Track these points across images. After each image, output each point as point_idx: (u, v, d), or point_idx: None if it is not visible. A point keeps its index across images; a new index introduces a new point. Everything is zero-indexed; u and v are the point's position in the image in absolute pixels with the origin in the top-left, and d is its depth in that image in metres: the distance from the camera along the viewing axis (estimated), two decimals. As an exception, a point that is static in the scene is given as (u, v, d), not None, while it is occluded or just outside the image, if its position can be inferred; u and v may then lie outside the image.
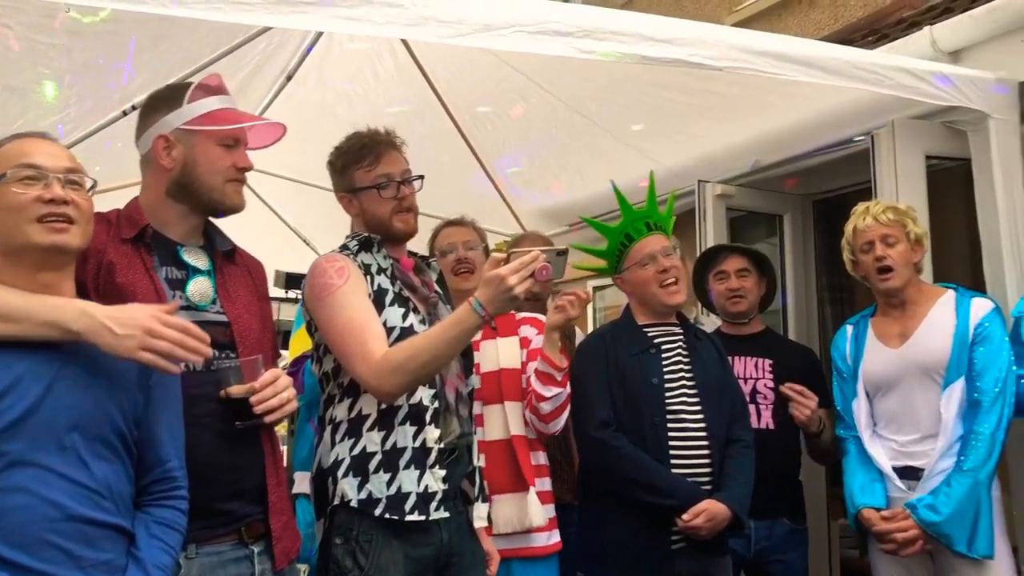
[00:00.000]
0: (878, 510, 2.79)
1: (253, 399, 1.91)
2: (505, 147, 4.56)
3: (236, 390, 1.92)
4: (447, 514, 2.22)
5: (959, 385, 2.78)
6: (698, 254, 3.73)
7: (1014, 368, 2.78)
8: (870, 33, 4.35)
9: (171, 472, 1.80)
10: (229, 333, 2.02)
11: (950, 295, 2.90)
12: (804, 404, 3.04)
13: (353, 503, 2.17)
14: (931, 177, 3.32)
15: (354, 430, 2.22)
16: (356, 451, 2.21)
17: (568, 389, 2.68)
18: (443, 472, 2.23)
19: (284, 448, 3.80)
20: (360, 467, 2.19)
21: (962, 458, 2.72)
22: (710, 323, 3.65)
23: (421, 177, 2.42)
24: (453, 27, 2.21)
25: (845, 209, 3.06)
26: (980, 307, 2.84)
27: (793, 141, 3.81)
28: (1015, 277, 3.03)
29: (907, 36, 3.52)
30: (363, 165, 2.35)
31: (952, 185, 3.37)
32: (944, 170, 3.38)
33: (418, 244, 2.67)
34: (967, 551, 2.68)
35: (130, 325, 1.67)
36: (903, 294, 2.90)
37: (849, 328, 3.05)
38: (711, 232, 4.06)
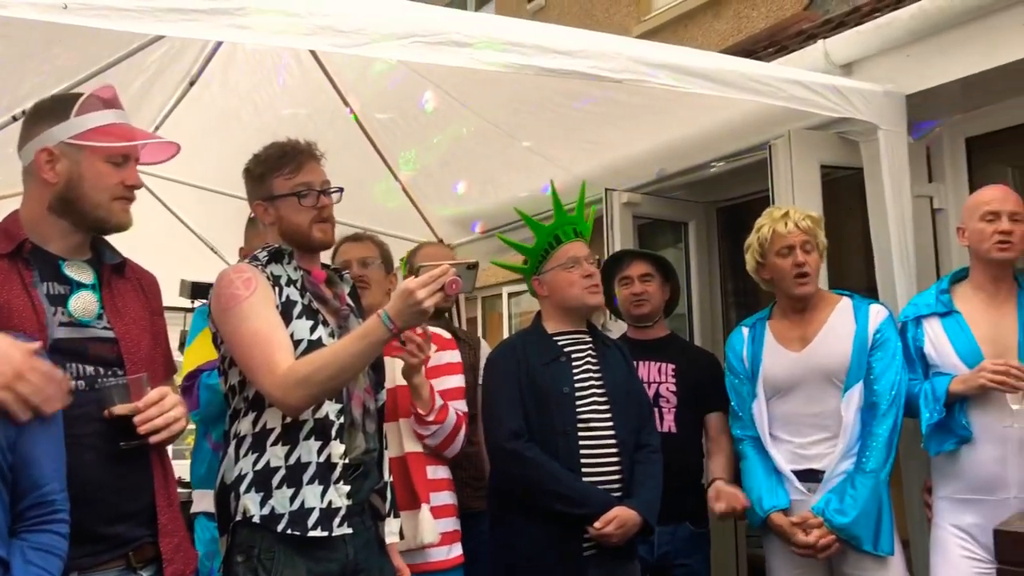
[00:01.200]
0: (785, 513, 2.88)
1: (137, 419, 1.86)
2: (415, 155, 4.55)
3: (119, 409, 1.87)
4: (351, 530, 2.19)
5: (858, 389, 2.88)
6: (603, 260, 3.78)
7: (907, 372, 2.91)
8: (770, 45, 4.47)
9: (49, 496, 1.73)
10: (116, 349, 1.97)
11: (847, 302, 3.01)
12: (732, 508, 3.02)
13: (255, 519, 2.14)
14: (826, 186, 3.44)
15: (258, 444, 2.19)
16: (260, 466, 2.17)
17: (451, 419, 2.72)
18: (347, 488, 2.20)
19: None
20: (263, 482, 2.16)
21: (863, 459, 2.82)
22: (617, 329, 3.71)
23: (340, 190, 2.40)
24: (351, 37, 2.20)
25: (747, 216, 3.14)
26: (877, 314, 2.95)
27: (696, 150, 3.90)
28: (904, 282, 3.16)
29: (803, 49, 3.64)
30: (283, 173, 2.32)
31: (846, 193, 3.49)
32: (838, 179, 3.50)
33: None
34: (873, 550, 2.78)
35: (2, 362, 1.63)
36: (809, 299, 2.99)
37: (745, 330, 3.12)
38: (618, 239, 4.12)
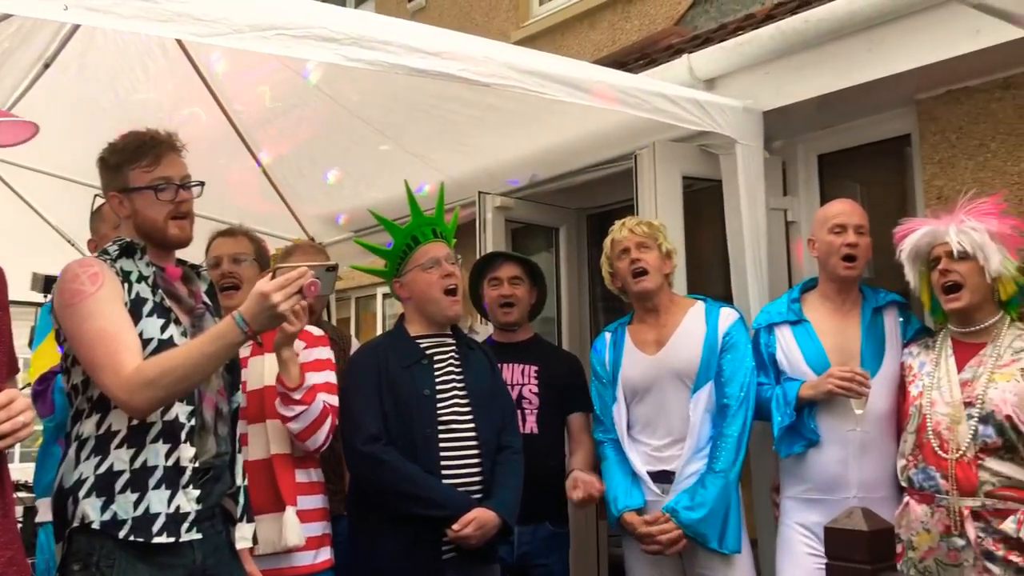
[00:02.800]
0: (639, 512, 2.95)
1: None
2: (287, 152, 4.46)
3: None
4: (200, 535, 2.13)
5: (707, 390, 2.98)
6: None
7: (756, 374, 3.03)
8: (641, 57, 4.58)
9: None
10: None
11: (700, 305, 3.11)
12: (588, 494, 3.07)
13: (95, 525, 2.04)
14: (688, 196, 3.56)
15: (101, 447, 2.09)
16: (102, 469, 2.08)
17: (318, 403, 2.63)
18: (197, 492, 2.13)
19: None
20: (105, 486, 2.07)
21: (713, 459, 2.92)
22: (485, 332, 3.73)
23: (202, 184, 2.32)
24: (210, 26, 2.13)
25: (615, 223, 3.22)
26: (727, 317, 3.06)
27: (567, 157, 3.96)
28: (757, 290, 3.29)
29: (670, 63, 3.75)
30: (140, 165, 2.22)
31: (706, 204, 3.61)
32: (700, 190, 3.62)
33: (193, 252, 2.56)
34: (719, 548, 2.88)
35: None
36: (656, 299, 3.07)
37: (608, 335, 3.20)
38: (491, 243, 4.15)
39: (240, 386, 2.41)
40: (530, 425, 3.29)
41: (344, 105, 3.93)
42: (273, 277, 2.03)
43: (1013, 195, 2.98)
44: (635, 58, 4.63)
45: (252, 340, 2.06)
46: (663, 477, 3.00)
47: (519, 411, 3.27)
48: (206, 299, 2.35)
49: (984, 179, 3.07)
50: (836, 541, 1.71)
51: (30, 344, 4.00)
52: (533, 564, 3.24)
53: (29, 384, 3.53)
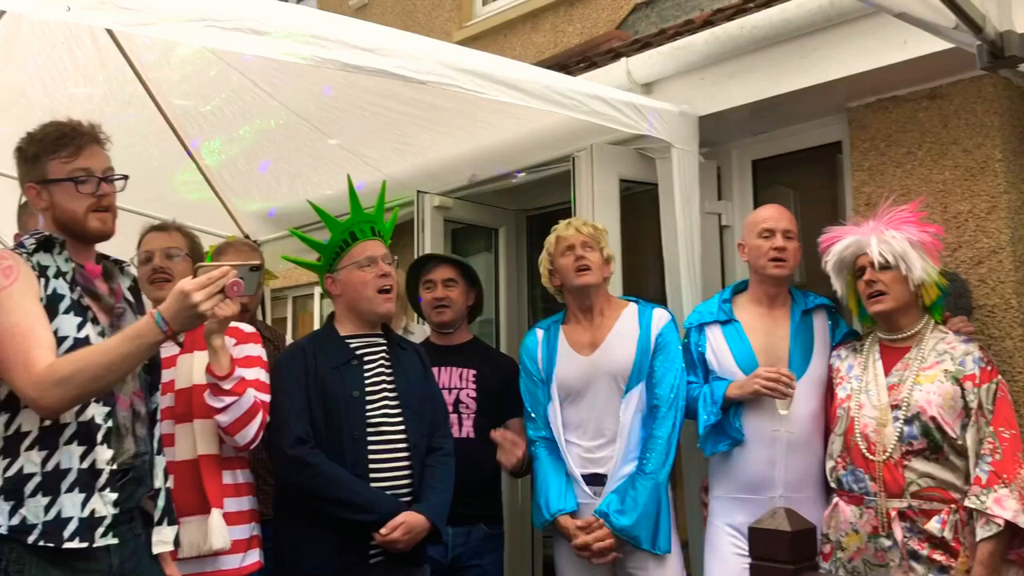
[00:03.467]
0: (572, 515, 2.95)
1: None
2: (222, 147, 4.38)
3: None
4: (116, 540, 2.06)
5: (638, 391, 3.00)
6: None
7: (686, 375, 3.06)
8: (583, 60, 4.59)
9: None
10: None
11: (633, 307, 3.13)
12: (512, 453, 3.10)
13: (2, 529, 1.97)
14: (625, 199, 3.58)
15: (10, 449, 2.02)
16: (11, 472, 2.00)
17: (249, 396, 2.57)
18: (115, 495, 2.07)
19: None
20: (14, 490, 1.99)
21: (644, 461, 2.94)
22: (421, 332, 3.70)
23: (125, 177, 2.25)
24: (135, 15, 2.07)
25: (554, 224, 3.23)
26: (660, 318, 3.08)
27: (506, 158, 3.96)
28: (690, 292, 3.33)
29: (609, 66, 3.77)
30: (60, 156, 2.15)
31: (643, 207, 3.64)
32: (637, 193, 3.65)
33: (116, 247, 2.49)
34: (652, 549, 2.90)
35: None
36: (593, 298, 3.09)
37: (540, 332, 3.20)
38: (429, 242, 4.12)
39: (159, 387, 2.34)
40: (467, 429, 3.27)
41: (281, 101, 3.87)
42: (195, 276, 1.98)
43: (937, 202, 3.06)
44: (576, 61, 4.64)
45: (172, 340, 2.01)
46: (595, 479, 3.01)
47: (456, 415, 3.26)
48: (128, 296, 2.27)
49: (911, 186, 3.14)
50: (760, 541, 1.73)
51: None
52: (467, 565, 3.22)
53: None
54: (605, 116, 3.12)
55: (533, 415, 3.13)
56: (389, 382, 2.76)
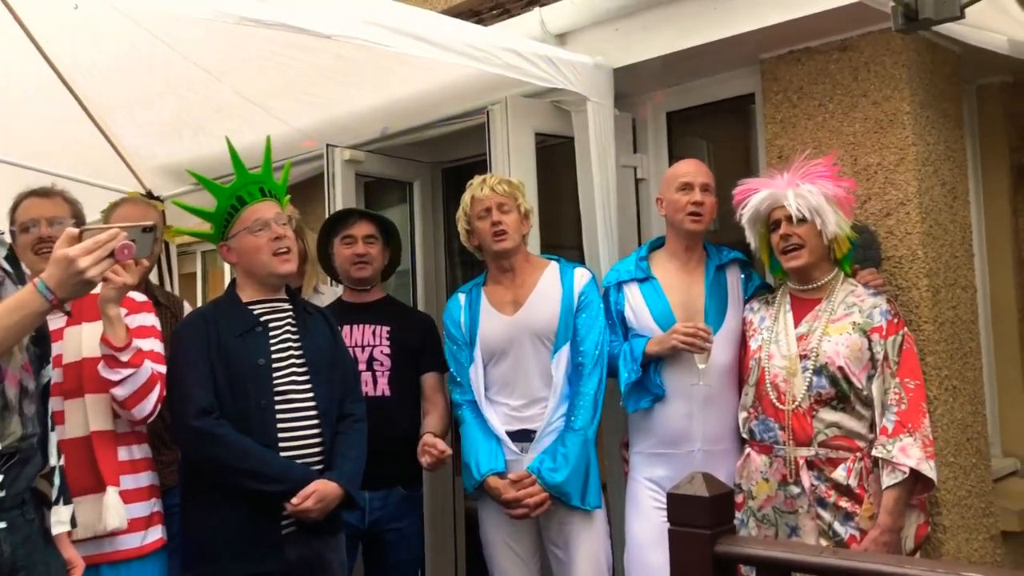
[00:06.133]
0: (502, 475, 2.94)
1: None
2: (118, 99, 4.16)
3: None
4: (4, 524, 1.95)
5: (566, 349, 2.99)
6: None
7: (608, 333, 3.05)
8: (495, 7, 4.49)
9: None
10: None
11: (554, 266, 3.11)
12: (436, 457, 3.04)
13: None
14: (541, 152, 3.52)
15: None
16: None
17: (146, 368, 2.47)
18: (0, 478, 1.95)
19: None
20: None
21: (572, 418, 2.94)
22: (332, 293, 3.61)
23: None
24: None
25: (470, 177, 3.16)
26: (581, 277, 3.07)
27: (420, 111, 3.84)
28: (607, 248, 3.31)
29: (523, 15, 3.68)
30: None
31: (560, 161, 3.60)
32: (553, 146, 3.60)
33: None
34: (581, 504, 2.92)
35: None
36: (513, 260, 3.06)
37: (462, 296, 3.16)
38: (339, 197, 4.00)
39: (50, 359, 2.22)
40: (381, 387, 3.23)
41: (180, 51, 3.68)
42: (80, 239, 1.86)
43: (848, 155, 3.09)
44: (488, 8, 4.53)
45: (59, 309, 1.89)
46: (522, 436, 3.01)
47: (370, 373, 3.21)
48: (5, 266, 2.13)
49: (822, 139, 3.17)
50: (678, 506, 1.73)
51: None
52: (386, 529, 3.20)
53: None
54: (519, 70, 3.06)
55: (459, 379, 3.09)
56: (296, 348, 2.68)
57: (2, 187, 2.79)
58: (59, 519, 2.16)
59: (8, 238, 2.23)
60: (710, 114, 3.73)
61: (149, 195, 4.73)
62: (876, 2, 2.39)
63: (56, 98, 4.01)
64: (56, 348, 2.42)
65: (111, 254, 1.86)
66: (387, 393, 3.23)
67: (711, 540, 1.67)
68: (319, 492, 2.54)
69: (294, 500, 2.51)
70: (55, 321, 2.42)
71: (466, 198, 3.09)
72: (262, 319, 2.68)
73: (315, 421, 2.64)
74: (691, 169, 3.04)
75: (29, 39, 3.65)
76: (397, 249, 3.48)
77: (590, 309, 3.03)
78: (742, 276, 3.09)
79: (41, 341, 2.14)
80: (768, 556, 1.64)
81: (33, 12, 3.53)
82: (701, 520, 1.68)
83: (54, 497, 2.16)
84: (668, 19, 3.23)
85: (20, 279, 2.13)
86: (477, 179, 3.12)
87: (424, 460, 3.06)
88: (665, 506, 2.82)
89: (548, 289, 3.05)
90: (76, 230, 1.86)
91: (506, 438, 3.00)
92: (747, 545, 1.71)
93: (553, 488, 2.89)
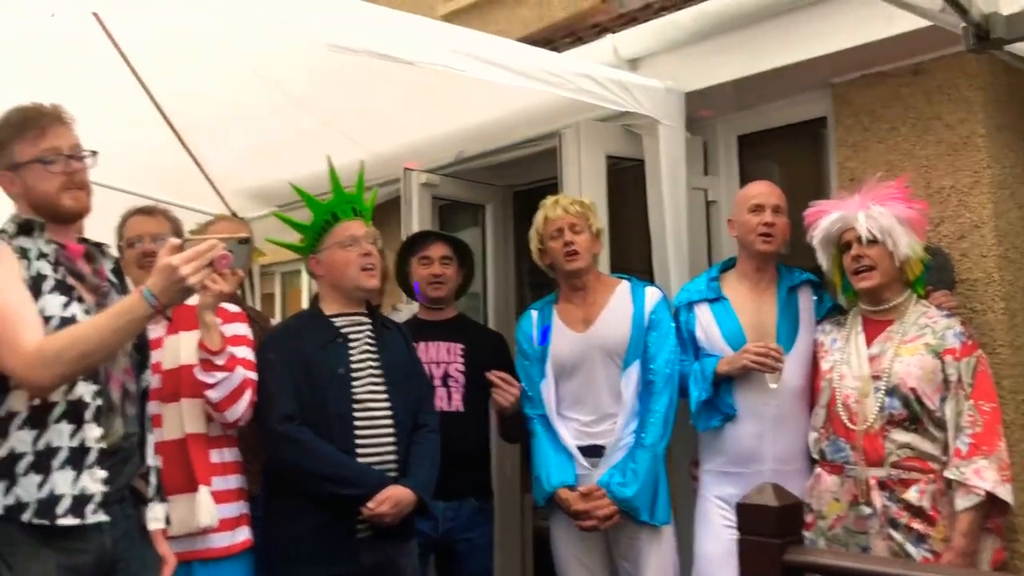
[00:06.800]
0: (572, 488, 2.99)
1: None
2: (207, 124, 4.36)
3: None
4: (107, 518, 2.09)
5: (636, 367, 3.04)
6: (403, 240, 3.78)
7: (679, 352, 3.09)
8: (569, 35, 4.59)
9: None
10: None
11: (625, 285, 3.16)
12: (507, 391, 3.14)
13: None
14: (612, 175, 3.59)
15: (1, 430, 2.04)
16: (3, 453, 2.03)
17: (239, 373, 2.60)
18: (104, 473, 2.09)
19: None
20: (6, 470, 2.02)
21: (642, 435, 2.98)
22: (408, 311, 3.72)
23: (94, 153, 2.25)
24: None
25: (541, 201, 3.24)
26: (652, 296, 3.12)
27: (493, 135, 3.95)
28: (677, 269, 3.36)
29: (596, 42, 3.77)
30: (26, 139, 2.16)
31: (630, 183, 3.65)
32: (623, 169, 3.66)
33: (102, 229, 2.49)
34: (650, 520, 2.95)
35: None
36: (585, 279, 3.12)
37: (534, 313, 3.23)
38: (416, 219, 4.12)
39: (149, 365, 2.36)
40: (456, 403, 3.31)
41: (267, 80, 3.85)
42: (182, 249, 1.99)
43: (920, 177, 3.09)
44: (562, 35, 4.63)
45: (161, 315, 2.02)
46: (592, 451, 3.05)
47: (445, 389, 3.30)
48: (111, 277, 2.29)
49: (894, 162, 3.17)
50: (747, 516, 1.76)
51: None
52: (458, 539, 3.27)
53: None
54: (592, 94, 3.13)
55: (530, 394, 3.16)
56: (374, 359, 2.79)
57: (104, 209, 2.96)
58: (155, 516, 2.29)
59: (115, 252, 2.39)
60: (781, 137, 3.75)
61: (233, 216, 4.92)
62: (948, 24, 2.41)
63: (151, 125, 4.23)
64: (155, 355, 2.56)
65: (210, 263, 1.99)
66: (460, 408, 3.31)
67: (780, 549, 1.69)
68: (394, 497, 2.63)
69: (370, 504, 2.61)
70: (155, 330, 2.58)
71: (539, 217, 3.17)
72: (343, 331, 2.80)
73: (391, 430, 2.74)
74: (763, 190, 3.07)
75: (128, 68, 3.88)
76: (471, 269, 3.58)
77: (661, 327, 3.07)
78: (814, 298, 3.09)
79: (142, 348, 2.30)
80: (837, 565, 1.67)
81: (133, 41, 3.74)
82: (770, 530, 1.71)
83: (150, 495, 2.29)
84: (739, 44, 3.28)
85: (124, 290, 2.29)
86: (550, 199, 3.19)
87: (496, 392, 3.11)
88: (734, 524, 2.89)
89: (619, 307, 3.10)
90: (178, 240, 2.01)
91: (577, 452, 3.05)
92: (816, 554, 1.74)
93: (622, 502, 2.92)
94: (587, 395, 3.08)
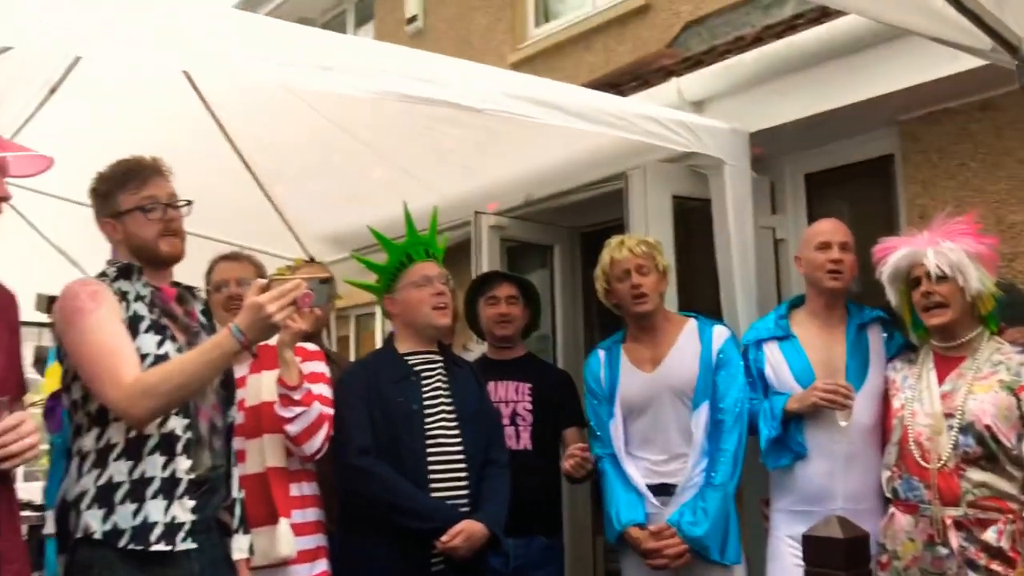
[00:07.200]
0: (642, 527, 3.01)
1: None
2: (286, 173, 4.55)
3: None
4: (195, 545, 2.19)
5: (706, 406, 3.05)
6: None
7: (748, 390, 3.10)
8: (634, 79, 4.67)
9: None
10: None
11: (693, 323, 3.19)
12: (579, 464, 3.10)
13: (97, 535, 2.12)
14: (679, 215, 3.64)
15: (101, 460, 2.17)
16: (102, 481, 2.16)
17: (316, 408, 2.70)
18: (192, 503, 2.21)
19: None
20: (105, 498, 2.14)
21: (712, 474, 2.99)
22: (478, 350, 3.81)
23: (190, 203, 2.41)
24: (210, 57, 2.24)
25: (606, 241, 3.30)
26: (720, 335, 3.13)
27: (560, 177, 4.05)
28: (745, 307, 3.37)
29: (661, 85, 3.85)
30: (128, 189, 2.33)
31: (697, 223, 3.69)
32: (690, 209, 3.71)
33: (190, 273, 2.64)
34: (720, 559, 2.95)
35: None
36: (653, 319, 3.15)
37: (601, 353, 3.27)
38: (486, 261, 4.23)
39: (235, 402, 2.48)
40: (524, 441, 3.37)
41: (342, 127, 4.02)
42: (268, 289, 2.11)
43: (991, 213, 3.07)
44: (628, 80, 4.72)
45: (247, 351, 2.14)
46: (662, 490, 3.06)
47: (513, 427, 3.36)
48: (201, 318, 2.43)
49: (965, 197, 3.15)
50: (814, 548, 1.78)
51: (35, 364, 4.06)
52: (527, 575, 3.30)
53: (37, 401, 3.61)
54: (657, 136, 3.20)
55: (599, 433, 3.18)
56: (446, 396, 2.88)
57: (191, 255, 3.14)
58: (239, 546, 2.39)
59: (204, 295, 2.54)
60: (849, 175, 3.76)
61: (311, 261, 5.09)
62: (1002, 62, 2.41)
63: (235, 174, 4.44)
64: (240, 393, 2.69)
65: (293, 302, 2.10)
66: (529, 447, 3.37)
67: (847, 582, 1.70)
68: (467, 531, 2.69)
69: (443, 538, 2.67)
70: (239, 370, 2.72)
71: (604, 258, 3.20)
72: (416, 368, 2.89)
73: (462, 465, 2.81)
74: (829, 228, 3.08)
75: (214, 120, 4.09)
76: (537, 308, 3.65)
77: (729, 366, 3.08)
78: (884, 335, 3.07)
79: (228, 384, 2.43)
80: (905, 599, 1.66)
81: (218, 95, 3.96)
82: (836, 561, 1.72)
83: (235, 526, 2.40)
84: (803, 84, 3.32)
85: (212, 330, 2.43)
86: (615, 239, 3.22)
87: (568, 463, 3.10)
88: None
89: (687, 346, 3.11)
90: (264, 280, 2.14)
91: (647, 491, 3.06)
92: (884, 588, 1.73)
93: (692, 541, 2.93)
94: (656, 434, 3.09)
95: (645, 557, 2.98)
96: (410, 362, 2.90)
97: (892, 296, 2.93)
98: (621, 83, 4.68)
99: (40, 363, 4.50)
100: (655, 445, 3.10)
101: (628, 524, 3.01)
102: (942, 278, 2.73)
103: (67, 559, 2.17)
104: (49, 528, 3.28)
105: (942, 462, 2.66)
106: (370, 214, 4.57)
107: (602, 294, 3.25)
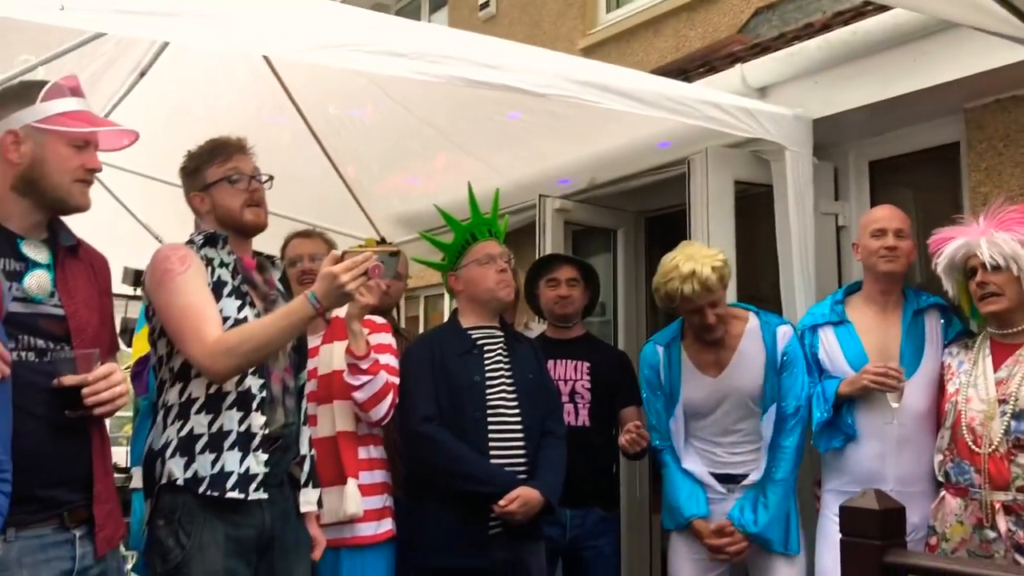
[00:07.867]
0: (705, 519, 3.10)
1: (85, 390, 1.98)
2: (359, 154, 4.72)
3: (69, 380, 1.98)
4: (266, 495, 2.36)
5: (774, 408, 3.11)
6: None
7: (809, 387, 3.12)
8: (703, 65, 4.70)
9: None
10: (65, 327, 2.08)
11: (755, 323, 3.18)
12: (635, 441, 3.16)
13: (179, 481, 2.30)
14: (740, 200, 3.68)
15: (183, 413, 2.35)
16: (184, 432, 2.33)
17: (382, 376, 2.85)
18: (266, 456, 2.37)
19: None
20: (187, 448, 2.32)
21: (774, 469, 3.07)
22: (538, 329, 3.91)
23: (271, 177, 2.58)
24: (290, 42, 2.39)
25: (672, 225, 3.36)
26: (784, 335, 3.16)
27: (624, 162, 4.11)
28: (803, 292, 3.41)
29: (725, 72, 3.88)
30: (215, 162, 2.50)
31: (758, 208, 3.73)
32: (752, 194, 3.75)
33: (266, 250, 2.81)
34: (783, 550, 3.03)
35: None
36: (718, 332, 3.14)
37: (660, 349, 3.27)
38: (550, 244, 4.32)
39: (306, 366, 2.65)
40: (582, 418, 3.47)
41: (413, 113, 4.15)
42: (342, 260, 2.25)
43: (1056, 202, 3.04)
44: (696, 65, 4.75)
45: (321, 317, 2.28)
46: (729, 479, 3.14)
47: (572, 405, 3.46)
48: (279, 286, 2.60)
49: (1029, 186, 3.14)
50: (849, 519, 1.84)
51: (121, 333, 4.30)
52: (584, 546, 3.42)
53: (128, 367, 3.85)
54: (719, 121, 3.24)
55: (658, 427, 3.24)
56: (507, 369, 3.00)
57: (270, 232, 3.32)
58: (307, 500, 2.57)
59: (281, 264, 2.70)
60: (913, 162, 3.74)
61: (382, 241, 5.26)
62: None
63: (309, 155, 4.62)
64: (312, 362, 2.87)
65: (365, 272, 2.24)
66: (587, 423, 3.47)
67: (880, 551, 1.76)
68: (523, 497, 2.81)
69: (501, 503, 2.80)
70: (312, 340, 2.89)
71: (672, 288, 3.00)
72: (478, 342, 3.02)
73: (520, 435, 2.93)
74: (885, 215, 3.10)
75: (292, 104, 4.27)
76: (596, 290, 3.74)
77: (794, 366, 3.10)
78: (942, 321, 3.08)
79: (300, 349, 2.60)
80: (936, 567, 1.72)
81: (297, 79, 4.13)
82: (871, 531, 1.77)
83: (303, 480, 2.57)
84: (868, 70, 3.32)
85: (288, 297, 2.60)
86: (683, 263, 2.98)
87: (624, 438, 3.16)
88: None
89: (751, 350, 3.13)
90: (339, 252, 2.28)
91: (711, 480, 3.14)
92: (916, 557, 1.79)
93: (755, 537, 3.02)
94: (721, 434, 3.16)
95: (709, 550, 3.07)
96: (473, 336, 3.03)
97: (949, 286, 2.95)
98: (689, 69, 4.71)
99: (126, 333, 4.74)
100: (719, 443, 3.17)
101: (691, 518, 3.10)
102: (996, 268, 2.74)
103: (152, 503, 2.35)
104: (136, 482, 3.50)
105: (993, 447, 2.68)
106: (437, 196, 4.72)
107: (658, 300, 3.18)
